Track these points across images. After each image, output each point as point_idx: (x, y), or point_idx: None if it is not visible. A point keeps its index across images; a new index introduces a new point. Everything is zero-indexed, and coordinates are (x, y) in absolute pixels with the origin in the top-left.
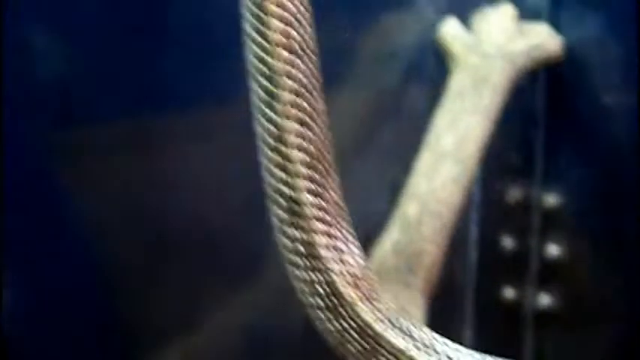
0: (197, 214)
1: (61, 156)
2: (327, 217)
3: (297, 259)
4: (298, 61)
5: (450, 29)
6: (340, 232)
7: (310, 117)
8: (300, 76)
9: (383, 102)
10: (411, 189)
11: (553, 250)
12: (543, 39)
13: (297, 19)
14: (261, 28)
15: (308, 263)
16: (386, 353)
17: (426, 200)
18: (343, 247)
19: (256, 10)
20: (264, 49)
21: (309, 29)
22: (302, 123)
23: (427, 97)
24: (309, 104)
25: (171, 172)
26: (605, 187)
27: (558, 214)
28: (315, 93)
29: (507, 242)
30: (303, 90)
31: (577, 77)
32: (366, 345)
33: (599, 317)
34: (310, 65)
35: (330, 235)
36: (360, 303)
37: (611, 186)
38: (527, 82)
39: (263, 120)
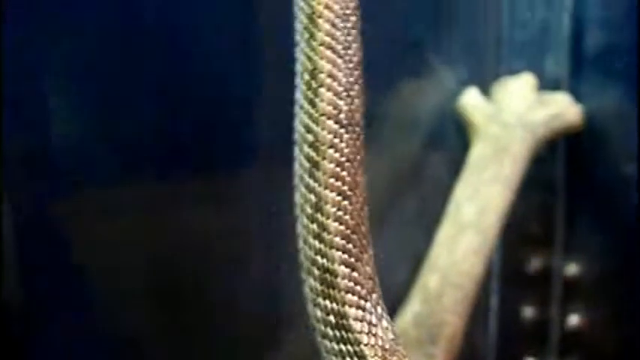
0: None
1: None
2: (361, 290)
3: (329, 330)
4: (344, 133)
5: (471, 99)
6: (372, 305)
7: (350, 189)
8: (344, 148)
9: (404, 171)
10: (432, 260)
11: (574, 319)
12: (563, 108)
13: (346, 91)
14: (312, 97)
15: (339, 334)
16: None
17: (447, 272)
18: (374, 320)
19: (308, 79)
20: (312, 118)
21: (357, 101)
22: (342, 194)
23: (448, 166)
24: (350, 176)
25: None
26: (626, 256)
27: (579, 284)
28: (356, 165)
29: (528, 312)
30: (345, 162)
31: (596, 147)
32: None
33: None
34: (355, 137)
35: (362, 308)
36: None
37: (632, 255)
38: (547, 151)
39: (303, 189)
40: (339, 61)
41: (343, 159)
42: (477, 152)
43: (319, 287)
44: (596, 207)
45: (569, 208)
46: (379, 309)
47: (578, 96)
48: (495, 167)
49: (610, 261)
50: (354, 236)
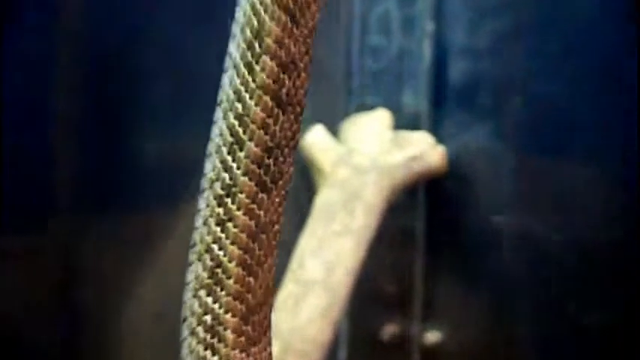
0: None
1: None
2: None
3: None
4: (280, 114)
5: (316, 137)
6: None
7: (272, 180)
8: (277, 132)
9: None
10: (273, 324)
11: None
12: (423, 149)
13: (294, 63)
14: (251, 61)
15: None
16: None
17: (290, 338)
18: None
19: (251, 39)
20: (246, 87)
21: (303, 77)
22: (261, 186)
23: (290, 215)
24: (277, 165)
25: None
26: (494, 322)
27: (439, 354)
28: (286, 153)
29: None
30: (274, 148)
31: (462, 193)
32: None
33: None
34: (292, 120)
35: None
36: None
37: (500, 320)
38: (405, 198)
39: (218, 164)
40: (293, 26)
41: (272, 144)
42: (324, 199)
43: (205, 273)
44: (462, 263)
45: (430, 265)
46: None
47: (440, 135)
48: (345, 217)
49: (475, 327)
50: (263, 237)
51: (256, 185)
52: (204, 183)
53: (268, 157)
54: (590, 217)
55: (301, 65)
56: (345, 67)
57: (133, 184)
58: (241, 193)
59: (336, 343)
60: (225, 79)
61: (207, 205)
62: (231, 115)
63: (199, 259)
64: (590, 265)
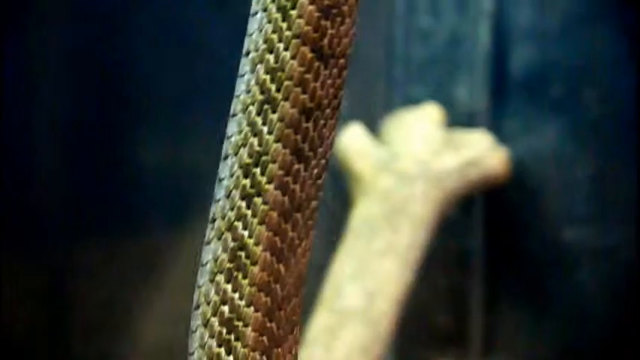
0: None
1: None
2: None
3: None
4: (322, 68)
5: (353, 139)
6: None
7: (311, 148)
8: (318, 89)
9: None
10: None
11: None
12: (481, 152)
13: (337, 7)
14: (286, 4)
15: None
16: None
17: None
18: None
19: None
20: (280, 36)
21: (347, 24)
22: (297, 154)
23: (323, 232)
24: (317, 131)
25: None
26: (564, 356)
27: None
28: (328, 115)
29: None
30: (315, 110)
31: (527, 205)
32: None
33: None
34: (335, 75)
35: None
36: None
37: (571, 353)
38: (460, 211)
39: (246, 127)
40: None
41: (312, 105)
42: (364, 213)
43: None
44: (527, 289)
45: (489, 291)
46: None
47: (502, 135)
48: (389, 234)
49: (545, 355)
50: (297, 216)
51: (291, 153)
52: (228, 148)
53: (307, 120)
54: None
55: (345, 9)
56: (387, 54)
57: (133, 203)
58: (273, 162)
59: None
60: (253, 25)
61: (232, 175)
62: (261, 69)
63: (219, 238)
64: None
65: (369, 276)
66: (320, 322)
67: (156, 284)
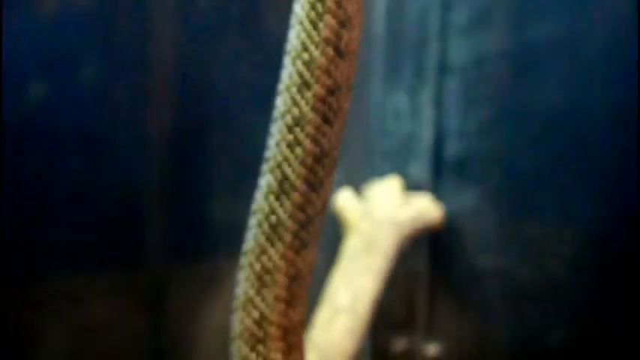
0: None
1: None
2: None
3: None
4: (340, 61)
5: (345, 199)
6: None
7: (335, 115)
8: (338, 76)
9: None
10: (312, 339)
11: None
12: (426, 208)
13: (349, 20)
14: (315, 19)
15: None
16: None
17: (325, 350)
18: None
19: (314, 1)
20: (312, 40)
21: (357, 31)
22: (325, 119)
23: (325, 256)
24: (337, 103)
25: None
26: (481, 337)
27: None
28: (344, 92)
29: None
30: (335, 89)
31: (455, 242)
32: None
33: None
34: (348, 66)
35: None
36: None
37: (486, 336)
38: (411, 246)
39: (288, 100)
40: None
41: (334, 86)
42: (351, 245)
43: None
44: (455, 294)
45: (430, 296)
46: None
47: (439, 197)
48: (367, 259)
49: (467, 342)
50: (325, 161)
51: (320, 118)
52: (276, 114)
53: (331, 96)
54: (561, 261)
55: (355, 20)
56: (366, 146)
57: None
58: (308, 124)
59: (360, 355)
60: (292, 34)
61: (279, 132)
62: (299, 63)
63: (271, 172)
64: (555, 294)
65: (354, 285)
66: (321, 314)
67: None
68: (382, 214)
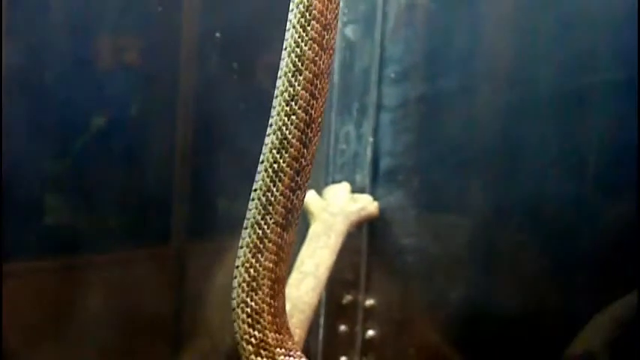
0: None
1: None
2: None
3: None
4: (322, 54)
5: (310, 197)
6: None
7: (319, 92)
8: (321, 64)
9: None
10: (287, 294)
11: (371, 333)
12: (367, 204)
13: (329, 24)
14: (305, 24)
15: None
16: None
17: (296, 302)
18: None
19: (303, 10)
20: (302, 39)
21: (334, 32)
22: (313, 95)
23: (297, 239)
24: (321, 84)
25: None
26: (402, 295)
27: (374, 310)
28: (325, 76)
29: (342, 328)
30: (320, 74)
31: (386, 229)
32: None
33: None
34: (328, 57)
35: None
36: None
37: (410, 293)
38: (356, 231)
39: (286, 83)
40: (328, 2)
41: (319, 72)
42: (314, 230)
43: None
44: (385, 265)
45: (368, 265)
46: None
47: (375, 197)
48: (325, 239)
49: (393, 297)
50: (313, 126)
51: (309, 94)
52: (276, 92)
53: (316, 79)
54: (459, 241)
55: (333, 24)
56: (326, 160)
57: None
58: (301, 99)
59: (319, 305)
60: (287, 35)
61: (279, 105)
62: (293, 55)
63: (274, 134)
64: (455, 265)
65: (316, 257)
66: (292, 277)
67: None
68: (336, 209)
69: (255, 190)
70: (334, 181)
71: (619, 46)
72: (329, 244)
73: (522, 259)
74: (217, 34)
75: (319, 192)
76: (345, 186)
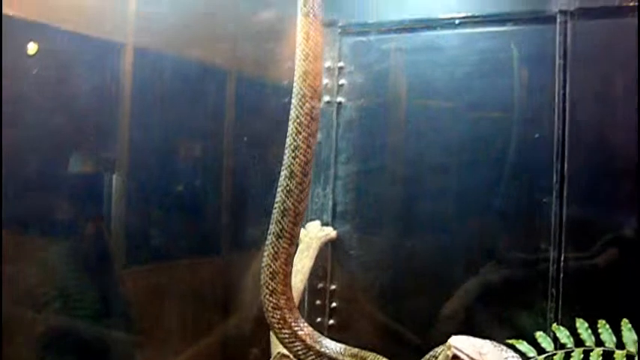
0: None
1: None
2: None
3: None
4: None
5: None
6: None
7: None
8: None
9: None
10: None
11: (334, 304)
12: (330, 232)
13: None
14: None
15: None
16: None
17: (292, 287)
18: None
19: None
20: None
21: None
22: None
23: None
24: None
25: None
26: (354, 282)
27: (335, 292)
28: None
29: (317, 302)
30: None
31: (341, 244)
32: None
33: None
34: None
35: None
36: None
37: (357, 281)
38: (324, 247)
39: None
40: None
41: (311, 132)
42: (300, 247)
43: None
44: (342, 264)
45: (332, 265)
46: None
47: (334, 227)
48: (307, 252)
49: (349, 284)
50: (309, 164)
51: (306, 145)
52: (286, 146)
53: (310, 137)
54: (383, 245)
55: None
56: (307, 208)
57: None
58: (301, 147)
59: (304, 289)
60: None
61: (288, 152)
62: (294, 132)
63: (285, 169)
64: (383, 260)
65: (303, 262)
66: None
67: None
68: (312, 235)
69: (270, 234)
70: (311, 220)
71: None
72: (310, 255)
73: (420, 258)
74: (245, 138)
75: (303, 226)
76: (317, 222)
